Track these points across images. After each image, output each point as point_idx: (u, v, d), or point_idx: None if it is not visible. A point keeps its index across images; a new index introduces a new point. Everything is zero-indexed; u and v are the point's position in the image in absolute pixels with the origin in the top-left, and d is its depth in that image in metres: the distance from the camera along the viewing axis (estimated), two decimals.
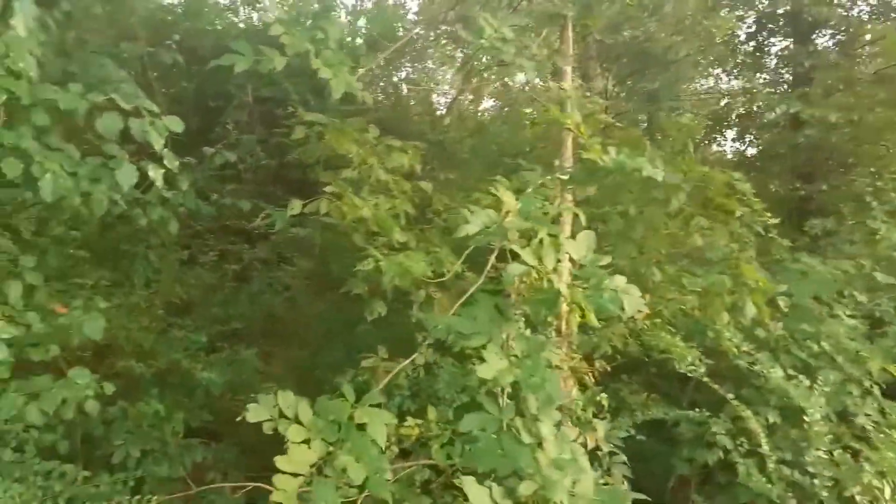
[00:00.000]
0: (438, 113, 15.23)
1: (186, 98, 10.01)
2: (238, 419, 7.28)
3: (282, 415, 3.12)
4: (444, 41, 15.72)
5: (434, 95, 17.04)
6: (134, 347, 5.61)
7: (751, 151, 13.68)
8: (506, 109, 14.76)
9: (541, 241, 3.41)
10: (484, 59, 15.33)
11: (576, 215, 4.31)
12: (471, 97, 16.57)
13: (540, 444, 3.12)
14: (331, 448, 2.98)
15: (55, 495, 3.76)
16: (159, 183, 3.86)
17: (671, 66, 12.15)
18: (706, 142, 12.93)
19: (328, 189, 5.09)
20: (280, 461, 2.87)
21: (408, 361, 3.88)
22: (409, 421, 4.60)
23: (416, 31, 14.80)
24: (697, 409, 5.65)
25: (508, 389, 3.30)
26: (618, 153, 3.88)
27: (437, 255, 5.55)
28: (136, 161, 3.74)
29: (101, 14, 8.37)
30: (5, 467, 3.58)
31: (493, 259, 4.14)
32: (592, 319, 3.05)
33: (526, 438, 3.02)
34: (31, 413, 3.42)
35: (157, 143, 3.58)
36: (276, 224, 4.95)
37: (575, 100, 4.47)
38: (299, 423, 3.10)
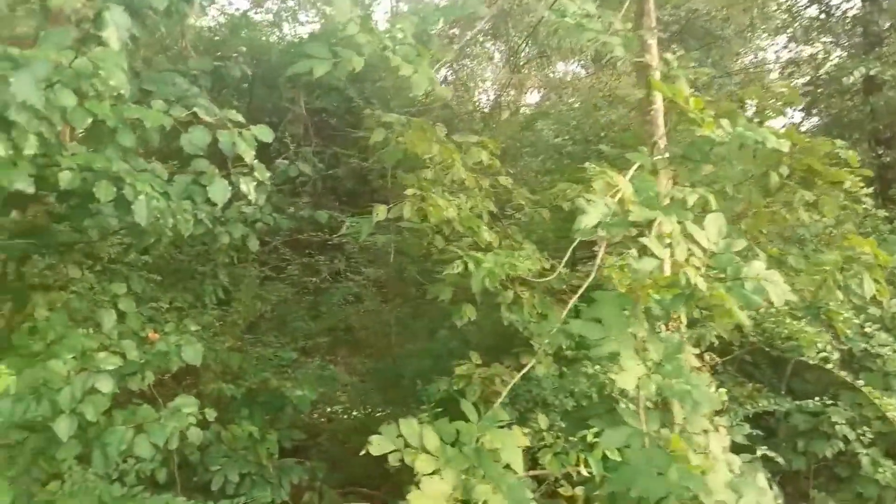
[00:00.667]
0: (484, 109, 15.04)
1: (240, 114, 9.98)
2: (322, 433, 7.13)
3: (406, 444, 2.86)
4: (481, 38, 15.52)
5: (477, 92, 16.85)
6: (223, 368, 5.50)
7: (813, 121, 12.99)
8: (558, 97, 14.47)
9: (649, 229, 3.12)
10: (525, 51, 15.14)
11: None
12: (513, 91, 16.34)
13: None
14: (463, 476, 2.72)
15: None
16: (252, 197, 3.70)
17: (726, 40, 11.64)
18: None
19: (409, 192, 4.87)
20: (414, 498, 2.60)
21: (526, 369, 3.60)
22: (515, 429, 4.35)
23: (454, 30, 14.65)
24: (818, 399, 5.27)
25: (639, 395, 3.01)
26: (733, 126, 3.56)
27: (524, 252, 5.30)
28: (226, 175, 3.59)
29: (158, 36, 8.40)
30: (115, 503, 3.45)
31: (602, 252, 3.88)
32: (740, 316, 2.73)
33: (693, 458, 2.72)
34: (140, 446, 3.28)
35: (248, 155, 3.41)
36: (362, 233, 4.75)
37: (680, 72, 4.16)
38: (427, 451, 2.82)
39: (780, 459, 4.37)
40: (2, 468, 3.34)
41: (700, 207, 4.22)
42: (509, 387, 3.61)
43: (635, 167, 3.99)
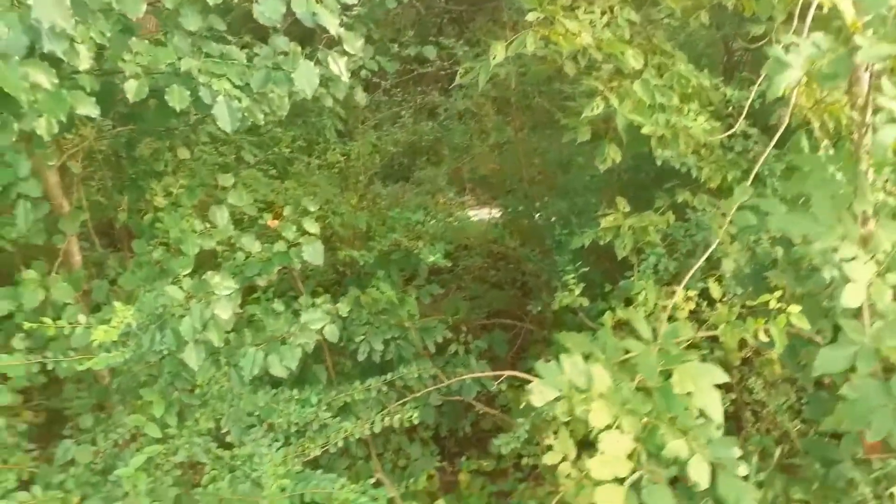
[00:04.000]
0: None
1: None
2: (458, 266, 6.90)
3: (573, 387, 2.35)
4: None
5: None
6: (353, 231, 5.27)
7: None
8: None
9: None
10: None
11: None
12: None
13: None
14: (644, 420, 2.22)
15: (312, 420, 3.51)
16: (346, 78, 3.08)
17: None
18: None
19: (531, 17, 3.97)
20: (596, 466, 2.14)
21: (705, 257, 2.93)
22: (680, 292, 3.79)
23: None
24: None
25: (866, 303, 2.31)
26: None
27: (677, 73, 4.36)
28: (311, 53, 2.96)
29: None
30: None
31: (796, 93, 2.96)
32: None
33: None
34: (274, 367, 3.11)
35: (332, 25, 2.73)
36: (480, 80, 4.02)
37: None
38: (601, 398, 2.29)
39: None
40: (148, 384, 3.34)
41: None
42: (688, 276, 2.94)
43: None
